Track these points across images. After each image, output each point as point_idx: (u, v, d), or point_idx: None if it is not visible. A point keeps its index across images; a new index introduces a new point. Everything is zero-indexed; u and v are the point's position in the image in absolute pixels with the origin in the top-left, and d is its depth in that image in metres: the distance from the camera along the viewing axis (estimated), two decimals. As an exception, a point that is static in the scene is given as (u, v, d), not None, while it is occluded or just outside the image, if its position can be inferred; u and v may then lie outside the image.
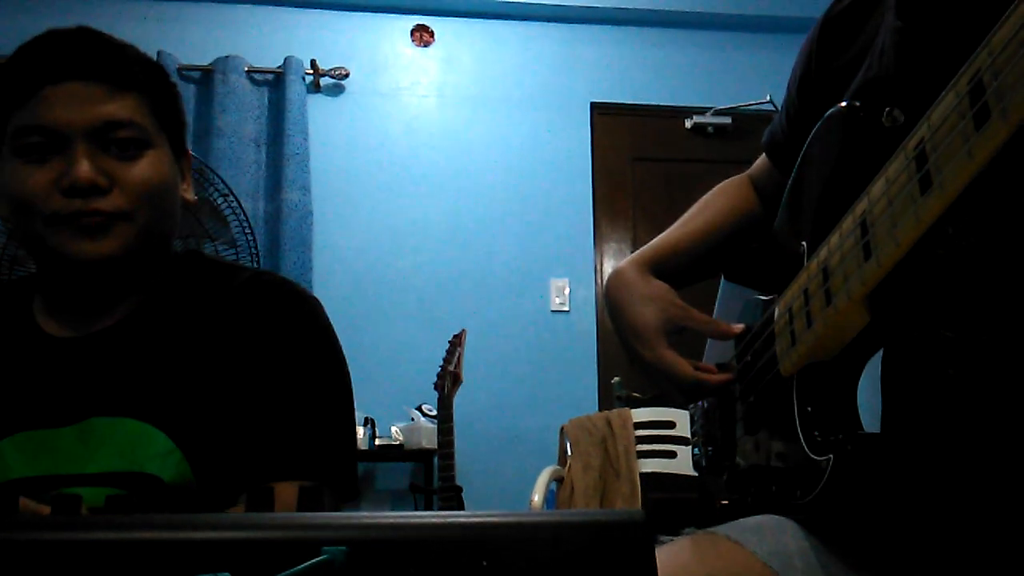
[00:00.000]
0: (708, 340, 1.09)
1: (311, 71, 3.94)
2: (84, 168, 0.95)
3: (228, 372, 1.01)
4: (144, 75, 1.02)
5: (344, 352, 1.09)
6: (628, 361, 1.04)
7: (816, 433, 0.73)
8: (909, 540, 0.78)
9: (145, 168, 1.00)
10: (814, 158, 0.84)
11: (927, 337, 0.72)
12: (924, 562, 0.77)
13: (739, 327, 0.96)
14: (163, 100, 1.05)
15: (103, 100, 0.98)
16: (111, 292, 1.05)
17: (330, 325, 1.09)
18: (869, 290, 0.66)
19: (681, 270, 1.08)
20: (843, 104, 0.78)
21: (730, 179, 1.18)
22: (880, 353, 0.70)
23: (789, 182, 0.91)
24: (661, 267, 1.07)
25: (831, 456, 0.68)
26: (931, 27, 0.75)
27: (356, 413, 1.09)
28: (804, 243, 0.81)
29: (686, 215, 1.14)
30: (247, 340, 1.02)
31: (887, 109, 0.71)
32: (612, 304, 1.05)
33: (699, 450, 1.11)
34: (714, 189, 1.17)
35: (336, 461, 1.02)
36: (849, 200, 0.70)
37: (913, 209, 0.60)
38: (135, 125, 0.99)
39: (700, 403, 1.10)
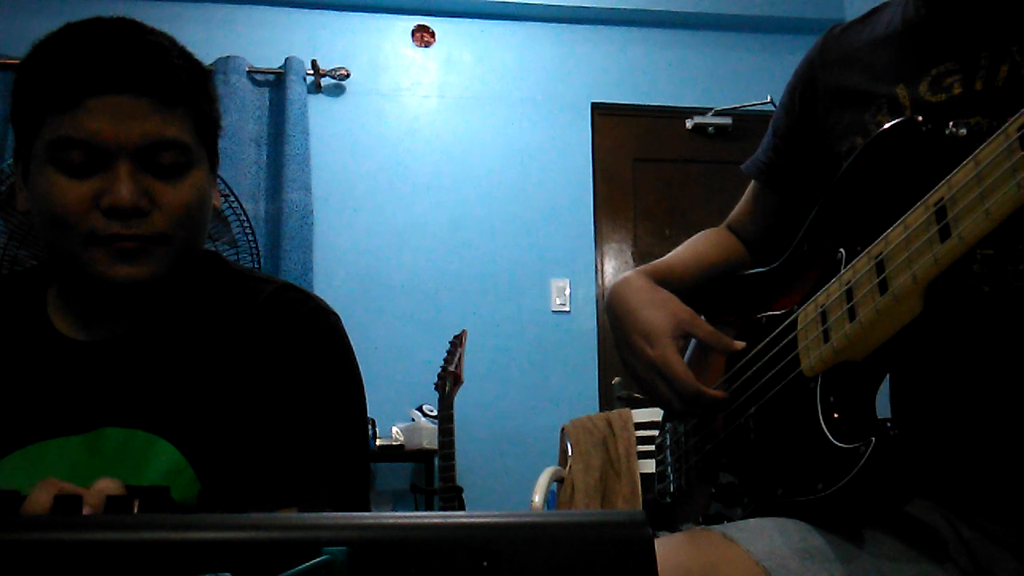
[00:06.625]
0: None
1: (312, 71, 3.94)
2: (127, 190, 0.90)
3: (246, 390, 0.98)
4: (190, 85, 0.97)
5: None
6: (623, 367, 1.05)
7: (844, 426, 0.77)
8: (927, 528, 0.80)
9: (187, 190, 0.96)
10: (864, 171, 0.87)
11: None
12: (940, 550, 0.79)
13: (741, 344, 0.98)
14: (205, 111, 1.00)
15: (149, 117, 0.92)
16: (139, 309, 1.01)
17: (349, 344, 1.06)
18: (942, 269, 0.69)
19: (677, 292, 1.10)
20: (903, 118, 0.82)
21: (711, 228, 1.24)
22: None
23: (823, 199, 0.94)
24: (661, 284, 1.10)
25: (873, 439, 0.72)
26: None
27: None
28: (842, 250, 0.84)
29: (676, 248, 1.19)
30: (266, 358, 0.99)
31: (951, 123, 0.76)
32: (620, 307, 1.07)
33: (671, 475, 1.12)
34: (697, 234, 1.22)
35: (347, 491, 0.98)
36: (908, 205, 0.73)
37: (1015, 180, 0.62)
38: (180, 144, 0.94)
39: (679, 427, 1.12)
